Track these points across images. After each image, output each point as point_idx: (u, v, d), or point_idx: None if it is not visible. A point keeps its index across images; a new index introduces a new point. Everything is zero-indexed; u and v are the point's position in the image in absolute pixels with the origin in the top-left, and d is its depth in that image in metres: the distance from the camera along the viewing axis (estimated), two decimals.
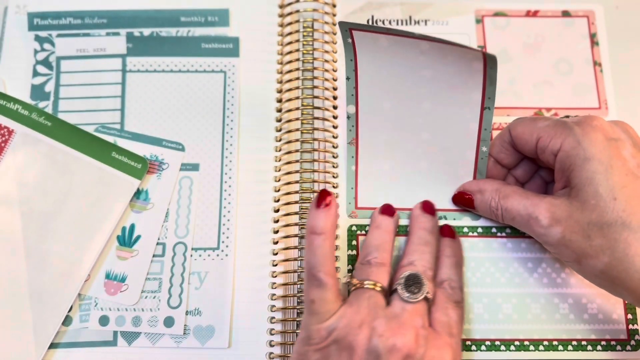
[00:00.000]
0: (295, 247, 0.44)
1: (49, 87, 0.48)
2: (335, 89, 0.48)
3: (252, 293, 0.44)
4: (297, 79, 0.48)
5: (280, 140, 0.47)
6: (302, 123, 0.47)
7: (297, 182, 0.46)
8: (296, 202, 0.45)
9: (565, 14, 0.51)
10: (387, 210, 0.43)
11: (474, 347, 0.43)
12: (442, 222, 0.45)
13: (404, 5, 0.51)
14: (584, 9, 0.51)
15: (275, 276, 0.44)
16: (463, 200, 0.44)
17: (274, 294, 0.44)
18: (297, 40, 0.49)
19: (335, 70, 0.48)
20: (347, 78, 0.43)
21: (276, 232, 0.45)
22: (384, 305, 0.38)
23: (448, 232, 0.43)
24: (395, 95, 0.43)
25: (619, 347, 0.43)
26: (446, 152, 0.44)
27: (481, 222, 0.45)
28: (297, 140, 0.46)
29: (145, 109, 0.48)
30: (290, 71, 0.48)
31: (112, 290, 0.44)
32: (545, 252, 0.44)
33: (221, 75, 0.49)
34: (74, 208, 0.44)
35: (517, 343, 0.43)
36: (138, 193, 0.46)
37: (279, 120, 0.48)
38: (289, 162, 0.46)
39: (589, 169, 0.36)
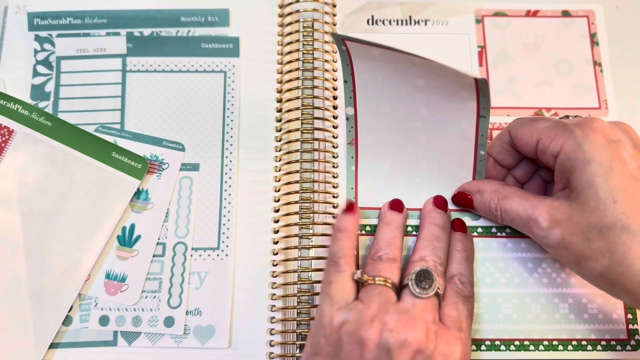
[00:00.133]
0: (295, 247, 0.44)
1: (49, 87, 0.48)
2: (335, 89, 0.48)
3: (252, 293, 0.44)
4: (297, 79, 0.48)
5: (280, 140, 0.47)
6: (302, 123, 0.47)
7: (297, 182, 0.46)
8: (296, 202, 0.45)
9: (565, 14, 0.51)
10: (397, 205, 0.43)
11: (474, 347, 0.43)
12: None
13: (404, 5, 0.51)
14: (584, 9, 0.51)
15: (275, 276, 0.44)
16: (463, 201, 0.44)
17: (274, 294, 0.44)
18: (297, 41, 0.49)
19: (335, 70, 0.48)
20: (345, 81, 0.43)
21: (276, 232, 0.45)
22: (395, 301, 0.38)
23: (459, 227, 0.43)
24: (392, 99, 0.43)
25: (619, 347, 0.43)
26: (445, 153, 0.44)
27: (481, 222, 0.45)
28: (297, 140, 0.46)
29: (145, 109, 0.48)
30: (290, 71, 0.48)
31: (112, 290, 0.44)
32: (545, 252, 0.44)
33: (221, 75, 0.49)
34: (74, 208, 0.44)
35: (517, 343, 0.43)
36: (138, 193, 0.46)
37: (279, 120, 0.48)
38: (289, 162, 0.46)
39: (589, 171, 0.36)
